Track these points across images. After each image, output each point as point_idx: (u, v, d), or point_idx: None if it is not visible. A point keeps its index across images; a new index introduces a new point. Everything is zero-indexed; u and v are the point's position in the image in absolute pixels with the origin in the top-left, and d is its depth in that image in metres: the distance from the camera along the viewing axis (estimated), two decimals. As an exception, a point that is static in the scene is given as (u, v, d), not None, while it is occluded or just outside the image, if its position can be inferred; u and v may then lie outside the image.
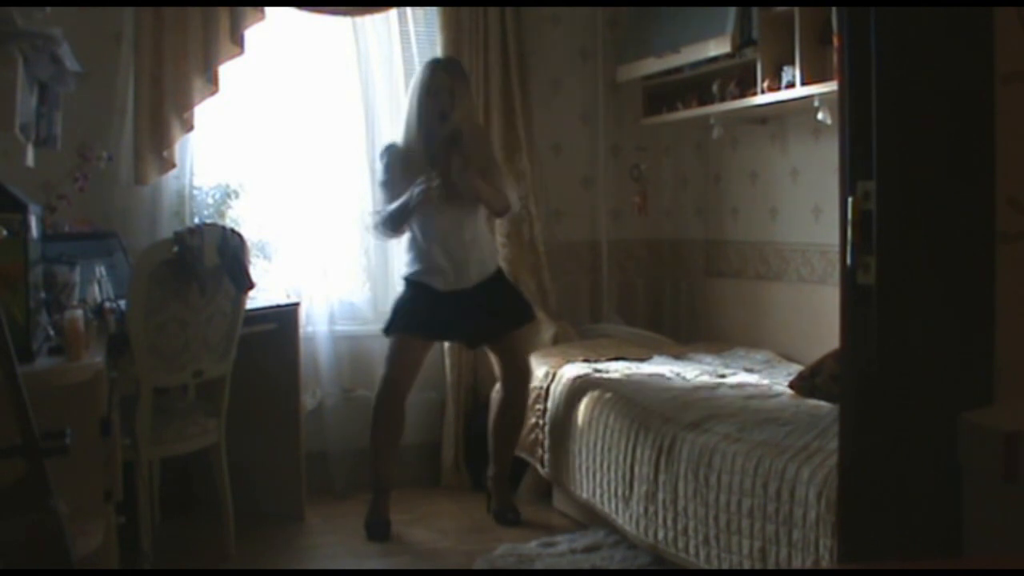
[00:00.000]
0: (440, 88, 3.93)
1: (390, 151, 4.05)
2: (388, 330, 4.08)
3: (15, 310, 2.48)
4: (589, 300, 5.16)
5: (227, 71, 4.28)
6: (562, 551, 3.73)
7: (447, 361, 4.64)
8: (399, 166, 4.00)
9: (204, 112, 4.29)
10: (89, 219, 4.07)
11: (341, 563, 3.77)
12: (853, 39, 2.01)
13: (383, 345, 4.41)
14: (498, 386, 4.23)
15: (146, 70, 4.18)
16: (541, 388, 4.25)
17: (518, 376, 4.16)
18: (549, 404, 4.19)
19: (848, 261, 1.99)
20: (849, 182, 1.99)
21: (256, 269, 4.11)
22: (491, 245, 4.28)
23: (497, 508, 4.15)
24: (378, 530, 3.99)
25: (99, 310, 3.22)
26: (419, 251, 4.04)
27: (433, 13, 4.69)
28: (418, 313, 4.02)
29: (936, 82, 1.95)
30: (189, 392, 3.92)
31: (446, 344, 4.58)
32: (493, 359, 4.24)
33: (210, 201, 4.40)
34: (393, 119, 4.62)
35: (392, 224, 3.99)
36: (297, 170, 4.57)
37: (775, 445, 3.00)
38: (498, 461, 4.20)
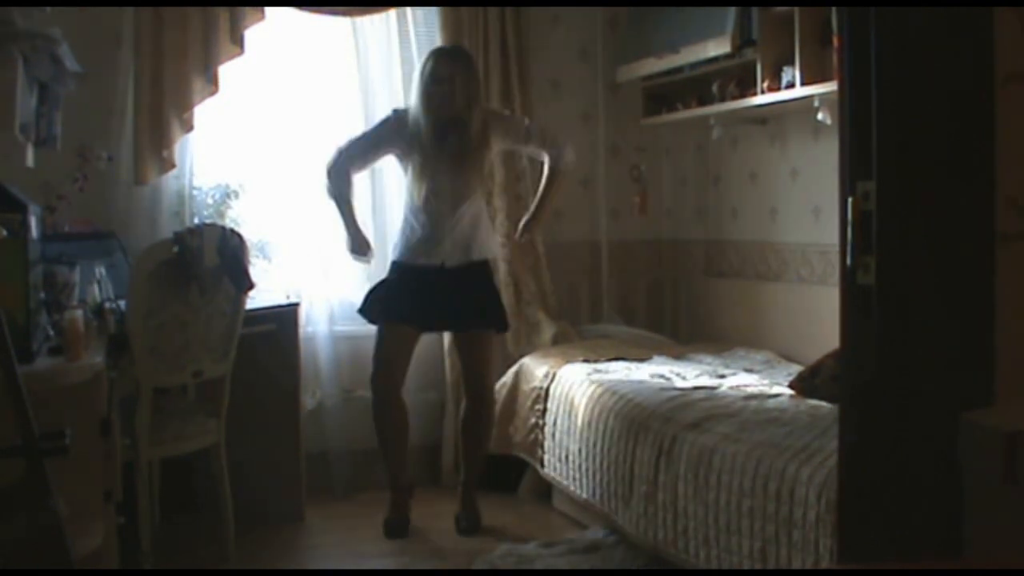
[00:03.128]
0: (442, 77, 3.91)
1: (395, 116, 4.07)
2: (364, 312, 4.07)
3: (15, 310, 2.48)
4: (589, 300, 5.16)
5: (227, 71, 4.28)
6: (562, 551, 3.72)
7: (447, 361, 4.64)
8: (389, 135, 4.03)
9: (204, 112, 4.29)
10: (89, 219, 4.07)
11: (341, 563, 3.77)
12: (853, 39, 2.01)
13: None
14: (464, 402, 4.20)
15: (146, 70, 4.18)
16: (541, 388, 4.25)
17: (478, 381, 4.09)
18: (549, 404, 4.19)
19: (848, 261, 1.99)
20: (849, 182, 1.99)
21: (256, 269, 4.10)
22: (488, 234, 4.16)
23: (458, 513, 4.10)
24: (395, 528, 4.00)
25: (99, 310, 3.22)
26: (409, 225, 4.01)
27: (433, 13, 4.69)
28: (398, 298, 4.00)
29: (936, 82, 1.95)
30: (189, 392, 3.92)
31: (445, 344, 4.58)
32: (457, 358, 4.21)
33: (210, 201, 4.40)
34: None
35: (331, 193, 4.03)
36: (297, 170, 4.57)
37: (775, 445, 3.00)
38: (466, 468, 4.18)
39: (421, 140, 3.95)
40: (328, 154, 4.05)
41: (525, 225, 4.29)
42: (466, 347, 4.11)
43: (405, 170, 4.07)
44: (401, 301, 4.01)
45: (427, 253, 3.99)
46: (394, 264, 4.09)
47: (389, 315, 4.02)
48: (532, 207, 4.31)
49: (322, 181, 4.06)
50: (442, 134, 3.93)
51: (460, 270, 4.01)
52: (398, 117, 4.06)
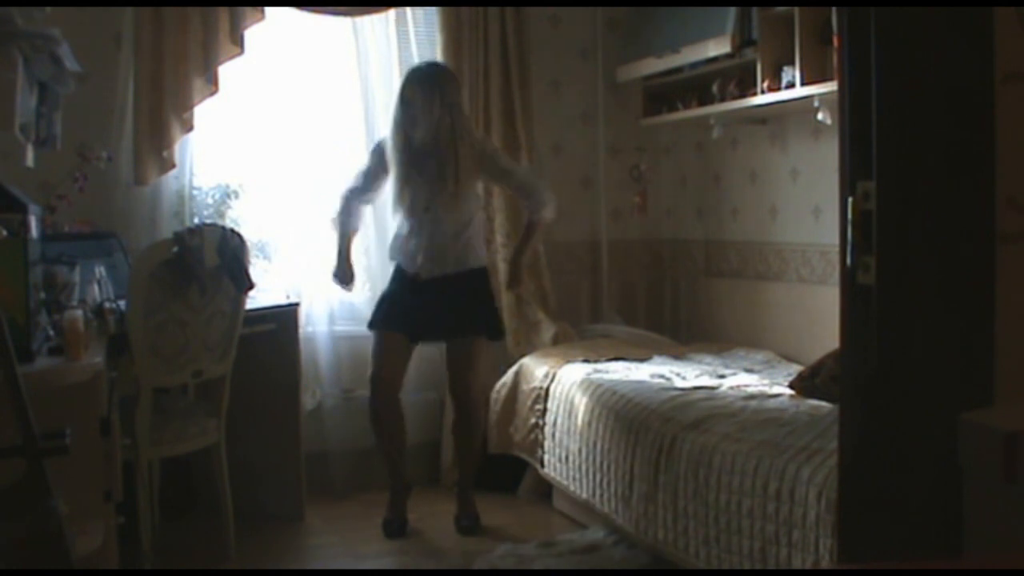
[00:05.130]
0: (407, 99, 3.97)
1: (379, 145, 4.13)
2: (371, 324, 4.11)
3: (15, 310, 2.48)
4: (589, 300, 5.16)
5: (227, 71, 4.28)
6: (562, 551, 3.72)
7: (446, 361, 4.63)
8: (377, 161, 4.11)
9: (204, 112, 4.29)
10: (89, 219, 4.07)
11: (341, 563, 3.77)
12: (853, 39, 2.02)
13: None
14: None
15: (146, 70, 4.18)
16: (541, 388, 4.25)
17: (460, 384, 4.09)
18: (549, 404, 4.19)
19: (848, 261, 1.99)
20: (849, 182, 1.99)
21: (256, 269, 4.11)
22: (478, 245, 4.16)
23: (456, 513, 4.10)
24: (393, 528, 4.01)
25: (99, 310, 3.22)
26: (401, 239, 4.09)
27: (433, 13, 4.69)
28: (397, 306, 4.05)
29: (936, 82, 1.95)
30: (189, 392, 3.92)
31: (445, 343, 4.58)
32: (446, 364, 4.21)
33: (210, 201, 4.40)
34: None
35: (336, 225, 4.16)
36: (297, 170, 4.57)
37: (775, 445, 3.00)
38: (460, 469, 4.19)
39: (397, 158, 3.99)
40: (337, 196, 4.16)
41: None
42: (452, 354, 4.12)
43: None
44: (397, 310, 4.05)
45: (409, 263, 4.06)
46: (395, 269, 4.16)
47: (385, 325, 4.05)
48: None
49: (332, 215, 4.16)
50: (419, 153, 3.98)
51: (449, 279, 4.03)
52: (380, 144, 4.14)
